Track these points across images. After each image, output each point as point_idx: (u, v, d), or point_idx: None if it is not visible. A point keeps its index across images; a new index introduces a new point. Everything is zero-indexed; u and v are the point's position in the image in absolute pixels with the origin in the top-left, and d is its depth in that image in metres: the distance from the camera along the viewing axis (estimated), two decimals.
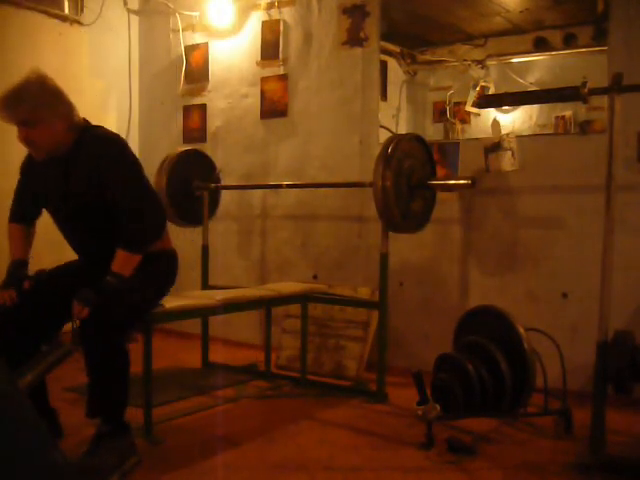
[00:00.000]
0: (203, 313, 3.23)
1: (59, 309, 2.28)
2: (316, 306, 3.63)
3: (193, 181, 3.71)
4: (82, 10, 4.50)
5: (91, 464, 2.11)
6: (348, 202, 3.87)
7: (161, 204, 2.53)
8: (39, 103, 2.19)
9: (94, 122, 2.56)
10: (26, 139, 2.25)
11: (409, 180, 3.00)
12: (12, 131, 2.28)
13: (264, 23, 4.22)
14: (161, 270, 2.50)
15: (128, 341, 2.32)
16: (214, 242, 3.91)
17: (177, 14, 4.62)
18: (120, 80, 4.83)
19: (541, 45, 4.63)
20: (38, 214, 2.57)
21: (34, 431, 0.85)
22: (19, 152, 4.44)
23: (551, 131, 4.84)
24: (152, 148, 4.81)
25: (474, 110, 5.12)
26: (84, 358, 2.19)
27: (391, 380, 3.19)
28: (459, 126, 5.14)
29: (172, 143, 4.63)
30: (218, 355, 3.74)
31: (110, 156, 2.32)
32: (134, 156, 2.42)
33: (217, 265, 3.97)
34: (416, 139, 3.12)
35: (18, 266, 2.43)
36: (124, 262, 2.27)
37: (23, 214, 2.56)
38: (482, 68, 5.00)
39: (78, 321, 2.14)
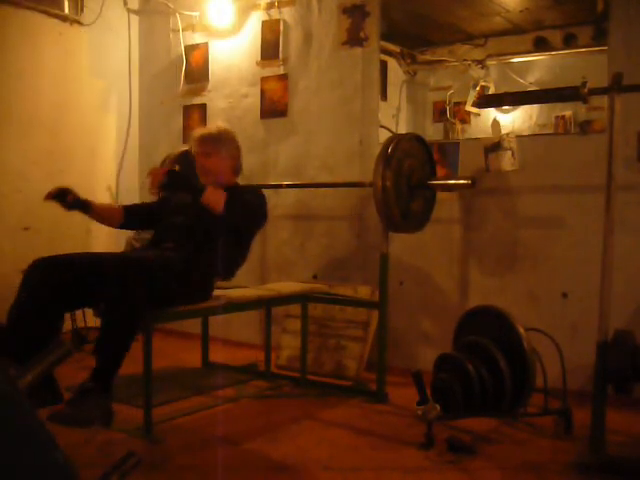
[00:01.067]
0: (203, 313, 3.23)
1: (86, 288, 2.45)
2: (316, 306, 3.62)
3: None
4: (82, 10, 4.50)
5: (74, 412, 2.16)
6: (348, 202, 3.87)
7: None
8: (219, 142, 2.93)
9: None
10: (203, 166, 2.91)
11: (409, 180, 3.00)
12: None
13: (264, 23, 4.22)
14: (202, 284, 2.73)
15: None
16: None
17: (177, 14, 4.62)
18: (120, 80, 4.83)
19: (541, 45, 4.63)
20: (134, 226, 3.22)
21: (34, 431, 0.85)
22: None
23: (551, 131, 4.85)
24: (152, 148, 4.81)
25: (474, 110, 5.12)
26: (104, 311, 2.32)
27: (391, 380, 3.19)
28: (459, 126, 5.14)
29: (172, 143, 4.62)
30: (218, 355, 3.74)
31: (252, 196, 2.94)
32: (266, 213, 2.97)
33: None
34: (416, 139, 3.12)
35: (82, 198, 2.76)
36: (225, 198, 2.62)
37: (130, 212, 3.01)
38: (482, 68, 5.00)
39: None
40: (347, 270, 3.87)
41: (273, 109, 4.20)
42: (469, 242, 3.49)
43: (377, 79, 3.82)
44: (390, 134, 3.52)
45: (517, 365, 2.58)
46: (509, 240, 3.36)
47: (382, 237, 3.09)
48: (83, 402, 2.18)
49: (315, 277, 4.01)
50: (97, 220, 2.90)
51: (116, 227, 3.01)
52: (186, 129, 4.64)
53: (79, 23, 4.50)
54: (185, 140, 4.61)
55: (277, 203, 4.19)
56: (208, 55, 4.52)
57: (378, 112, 3.85)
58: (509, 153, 3.21)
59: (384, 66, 4.48)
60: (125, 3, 4.81)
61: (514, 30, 4.68)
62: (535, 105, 4.89)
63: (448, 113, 5.15)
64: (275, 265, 4.21)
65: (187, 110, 4.64)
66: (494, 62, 4.97)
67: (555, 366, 2.63)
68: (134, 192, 4.78)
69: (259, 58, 4.25)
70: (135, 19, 4.90)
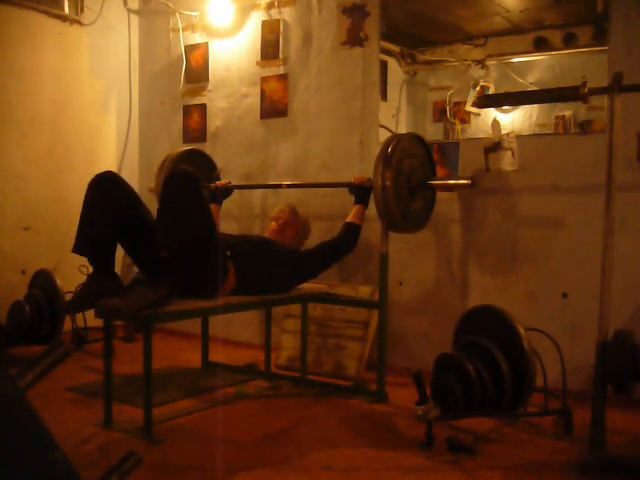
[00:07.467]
0: (203, 313, 3.23)
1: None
2: (316, 306, 3.63)
3: None
4: (82, 10, 4.50)
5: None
6: (348, 202, 3.86)
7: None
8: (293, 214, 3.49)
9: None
10: (279, 226, 3.44)
11: (409, 180, 3.00)
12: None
13: (264, 23, 4.22)
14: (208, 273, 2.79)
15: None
16: None
17: (177, 14, 4.62)
18: (120, 80, 4.84)
19: (541, 45, 4.63)
20: None
21: (34, 431, 0.85)
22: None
23: (551, 131, 4.85)
24: (152, 148, 4.81)
25: (474, 110, 5.12)
26: None
27: (391, 380, 3.19)
28: (459, 126, 5.14)
29: (172, 143, 4.63)
30: (218, 355, 3.74)
31: None
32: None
33: None
34: (416, 139, 3.12)
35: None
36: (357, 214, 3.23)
37: None
38: (482, 68, 5.00)
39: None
40: (347, 270, 3.87)
41: (273, 109, 4.20)
42: (469, 242, 3.49)
43: (377, 79, 3.82)
44: (390, 134, 3.52)
45: (517, 365, 2.58)
46: (509, 240, 3.36)
47: (382, 237, 3.09)
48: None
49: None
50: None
51: None
52: (186, 129, 4.64)
53: (79, 23, 4.50)
54: (185, 140, 4.62)
55: (277, 203, 4.19)
56: (208, 55, 4.52)
57: (378, 112, 3.84)
58: (509, 153, 3.21)
59: (384, 66, 4.48)
60: (125, 3, 4.81)
61: (514, 30, 4.68)
62: (535, 105, 4.89)
63: (448, 113, 5.14)
64: None
65: (187, 110, 4.64)
66: (494, 62, 4.97)
67: (555, 366, 2.63)
68: None
69: (259, 58, 4.25)
70: (135, 19, 4.91)
